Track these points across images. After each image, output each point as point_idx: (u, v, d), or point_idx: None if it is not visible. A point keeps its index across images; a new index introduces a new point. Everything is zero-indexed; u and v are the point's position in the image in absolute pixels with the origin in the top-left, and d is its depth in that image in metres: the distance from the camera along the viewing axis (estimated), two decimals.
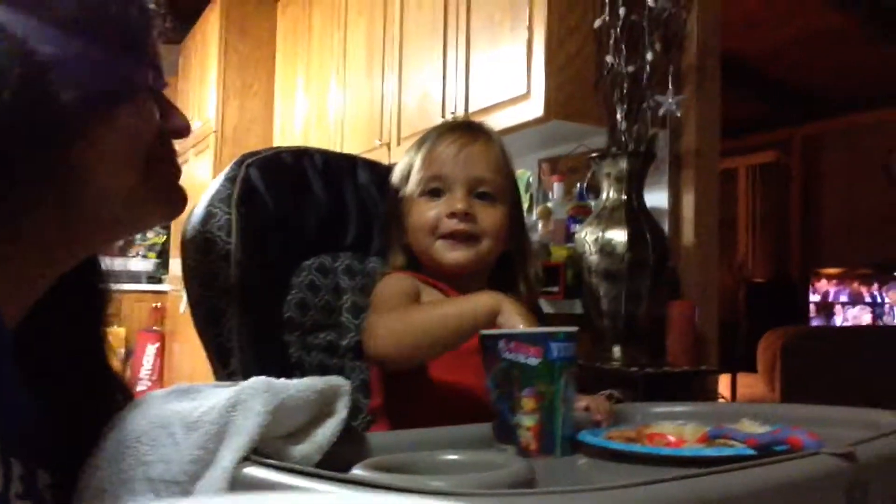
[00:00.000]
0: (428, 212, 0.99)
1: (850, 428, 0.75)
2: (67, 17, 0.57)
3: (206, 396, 0.66)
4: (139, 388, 4.50)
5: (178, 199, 0.68)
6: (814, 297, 5.21)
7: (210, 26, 4.36)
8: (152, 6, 0.65)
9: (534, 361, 0.71)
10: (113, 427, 0.67)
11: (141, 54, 0.63)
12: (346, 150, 3.33)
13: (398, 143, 2.97)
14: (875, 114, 5.13)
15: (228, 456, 0.60)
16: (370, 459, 0.53)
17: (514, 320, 0.82)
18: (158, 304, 5.05)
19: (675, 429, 0.72)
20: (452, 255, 0.99)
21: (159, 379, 4.85)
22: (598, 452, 0.70)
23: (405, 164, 1.04)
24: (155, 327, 4.99)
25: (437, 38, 2.70)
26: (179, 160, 0.69)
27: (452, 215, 0.98)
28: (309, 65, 3.83)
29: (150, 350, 4.90)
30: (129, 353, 4.89)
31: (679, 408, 0.96)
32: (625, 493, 0.39)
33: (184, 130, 0.67)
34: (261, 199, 0.99)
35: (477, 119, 2.46)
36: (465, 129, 1.04)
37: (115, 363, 0.76)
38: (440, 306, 0.89)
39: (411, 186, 1.01)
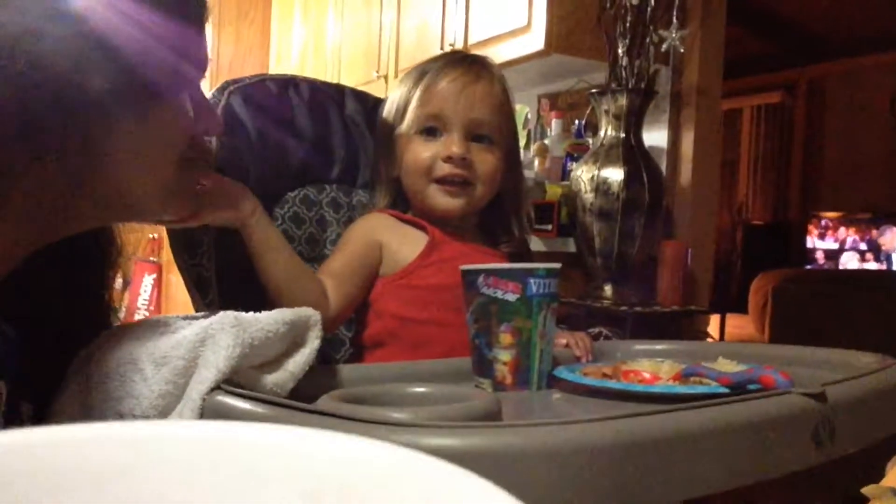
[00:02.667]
0: (423, 152, 0.96)
1: (825, 368, 0.75)
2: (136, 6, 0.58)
3: (176, 331, 0.66)
4: (136, 318, 4.54)
5: (186, 207, 0.70)
6: (811, 243, 5.20)
7: None
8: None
9: (511, 297, 0.71)
10: (82, 364, 0.67)
11: (188, 52, 0.63)
12: (343, 82, 3.27)
13: (395, 76, 2.91)
14: (880, 56, 5.02)
15: (197, 388, 0.60)
16: (337, 391, 0.53)
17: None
18: (155, 235, 5.05)
19: (651, 365, 0.72)
20: (445, 201, 0.96)
21: (157, 310, 4.88)
22: (574, 388, 0.70)
23: (401, 95, 1.00)
24: (152, 258, 4.99)
25: None
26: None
27: (449, 159, 0.95)
28: None
29: (148, 280, 4.92)
30: (126, 284, 4.91)
31: (659, 345, 0.97)
32: (584, 428, 0.39)
33: (214, 130, 0.70)
34: (243, 128, 0.96)
35: (476, 52, 2.41)
36: (469, 66, 0.98)
37: (115, 296, 0.77)
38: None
39: (407, 122, 0.97)
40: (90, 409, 0.66)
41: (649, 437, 0.42)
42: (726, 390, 0.61)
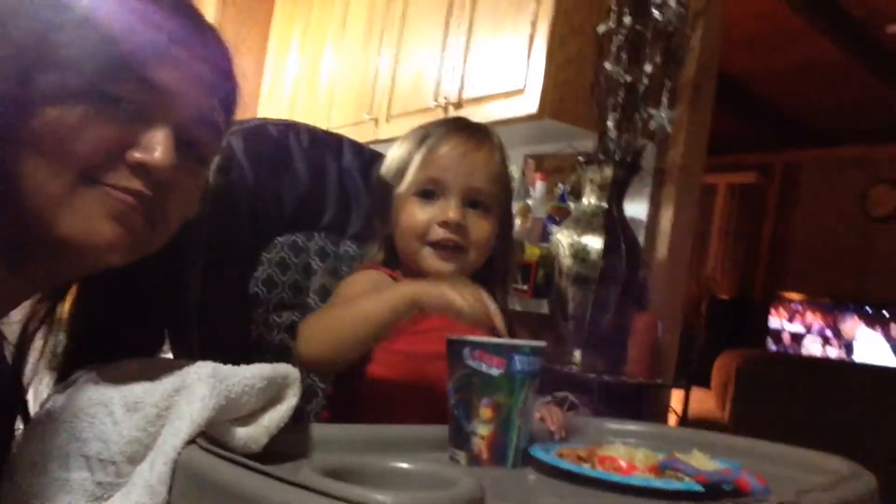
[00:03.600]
0: (420, 215, 0.97)
1: (797, 469, 0.76)
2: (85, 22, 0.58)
3: (149, 377, 0.65)
4: None
5: (98, 229, 0.62)
6: (773, 322, 5.29)
7: None
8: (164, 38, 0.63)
9: (495, 372, 0.71)
10: (53, 399, 0.66)
11: (122, 74, 0.61)
12: (333, 120, 3.31)
13: (387, 120, 2.94)
14: (857, 148, 5.20)
15: (171, 441, 0.59)
16: (319, 461, 0.52)
17: (442, 300, 0.79)
18: None
19: (626, 452, 0.72)
20: (438, 264, 0.97)
21: None
22: (549, 470, 0.70)
23: (401, 156, 1.01)
24: None
25: (440, 20, 2.67)
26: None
27: (444, 224, 0.96)
28: (306, 27, 3.77)
29: None
30: None
31: (632, 426, 0.97)
32: None
33: (142, 168, 0.62)
34: (239, 170, 0.97)
35: (469, 108, 2.45)
36: (471, 133, 1.00)
37: None
38: (359, 302, 0.86)
39: (406, 183, 0.98)
40: (55, 447, 0.65)
41: None
42: (701, 489, 0.61)
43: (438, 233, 0.96)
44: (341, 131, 1.22)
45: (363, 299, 0.85)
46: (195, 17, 0.70)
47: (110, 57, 0.60)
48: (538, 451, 0.72)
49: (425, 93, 2.69)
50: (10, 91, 0.57)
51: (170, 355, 0.88)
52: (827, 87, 4.62)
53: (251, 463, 0.50)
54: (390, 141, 2.62)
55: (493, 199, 0.99)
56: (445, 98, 2.56)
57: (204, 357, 0.70)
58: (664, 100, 2.04)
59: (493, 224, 0.99)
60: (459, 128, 1.01)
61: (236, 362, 0.66)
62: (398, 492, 0.43)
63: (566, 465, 0.67)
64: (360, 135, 2.77)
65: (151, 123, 0.64)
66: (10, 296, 0.68)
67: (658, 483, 0.63)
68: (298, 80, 3.74)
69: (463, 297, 0.79)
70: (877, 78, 4.30)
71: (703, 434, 0.90)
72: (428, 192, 0.97)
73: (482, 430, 0.71)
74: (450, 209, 0.96)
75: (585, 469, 0.66)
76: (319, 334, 0.85)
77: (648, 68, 2.02)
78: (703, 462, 0.68)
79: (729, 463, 0.70)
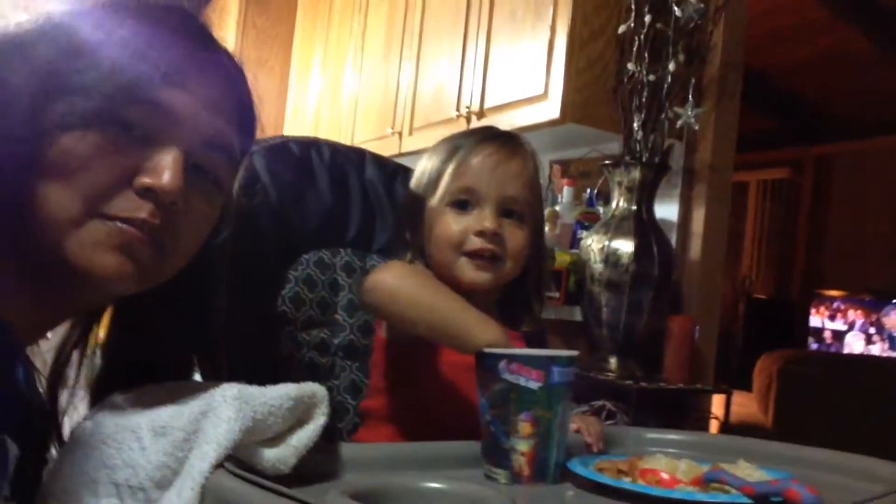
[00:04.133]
0: (454, 225, 0.95)
1: (849, 477, 0.73)
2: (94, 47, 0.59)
3: (176, 400, 0.64)
4: None
5: (99, 264, 0.61)
6: (814, 321, 5.17)
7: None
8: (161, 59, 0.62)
9: (534, 385, 0.69)
10: (82, 427, 0.66)
11: (132, 97, 0.61)
12: (357, 136, 3.32)
13: (410, 133, 2.94)
14: (891, 138, 5.07)
15: (198, 465, 0.58)
16: (348, 484, 0.50)
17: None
18: None
19: (668, 464, 0.70)
20: (474, 274, 0.95)
21: None
22: (588, 484, 0.68)
23: (432, 168, 0.99)
24: None
25: (458, 31, 2.66)
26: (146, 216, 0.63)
27: (481, 233, 0.94)
28: (327, 45, 3.80)
29: None
30: None
31: (672, 435, 0.94)
32: None
33: (150, 192, 0.61)
34: (263, 190, 0.96)
35: (491, 116, 2.44)
36: (504, 142, 0.99)
37: None
38: (456, 302, 0.85)
39: (439, 194, 0.97)
40: (84, 474, 0.64)
41: None
42: (748, 501, 0.59)
43: (475, 243, 0.94)
44: (365, 146, 1.21)
45: (461, 307, 0.84)
46: (206, 39, 0.69)
47: (121, 82, 0.60)
48: (576, 466, 0.70)
49: (447, 104, 2.68)
50: (25, 119, 0.58)
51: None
52: (855, 77, 4.53)
53: (279, 487, 0.49)
54: (414, 154, 2.61)
55: (528, 207, 0.97)
56: (467, 108, 2.55)
57: (233, 378, 0.69)
58: (690, 97, 2.01)
59: (528, 233, 0.97)
60: (492, 136, 1.00)
61: (266, 382, 0.65)
62: None
63: (607, 480, 0.65)
64: (385, 149, 2.77)
65: (161, 147, 0.63)
66: (38, 325, 0.68)
67: (703, 497, 0.60)
68: (321, 97, 3.77)
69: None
70: None
71: (748, 442, 0.86)
72: (462, 203, 0.96)
73: (522, 447, 0.69)
74: (485, 219, 0.94)
75: (627, 483, 0.64)
76: (406, 291, 0.87)
77: (672, 66, 1.98)
78: (749, 472, 0.66)
79: (777, 473, 0.67)
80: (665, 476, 0.65)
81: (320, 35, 3.87)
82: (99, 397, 0.72)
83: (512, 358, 0.71)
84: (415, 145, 2.86)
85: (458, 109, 2.60)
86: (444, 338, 0.83)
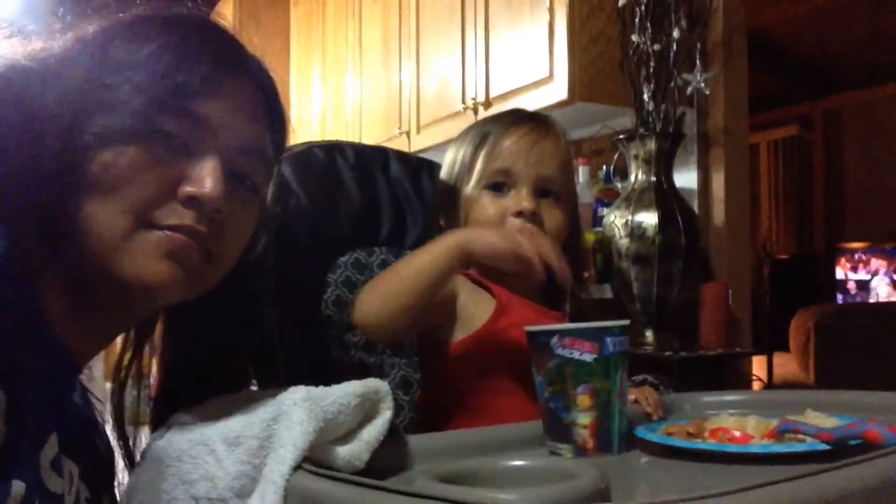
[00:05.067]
0: (492, 208, 0.95)
1: None
2: (122, 61, 0.60)
3: (244, 410, 0.65)
4: None
5: (151, 273, 0.62)
6: (838, 274, 5.13)
7: (223, 18, 4.33)
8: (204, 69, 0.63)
9: (589, 358, 0.69)
10: (152, 448, 0.66)
11: (167, 109, 0.61)
12: (365, 140, 3.33)
13: (418, 132, 2.94)
14: (894, 85, 5.02)
15: (277, 469, 0.58)
16: (433, 469, 0.51)
17: (489, 240, 0.83)
18: None
19: (736, 422, 0.69)
20: None
21: None
22: (656, 449, 0.68)
23: (464, 154, 0.99)
24: None
25: (455, 24, 2.66)
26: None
27: (519, 214, 0.94)
28: (324, 55, 3.81)
29: None
30: None
31: (730, 396, 0.94)
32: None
33: (194, 201, 0.62)
34: (295, 197, 0.97)
35: (498, 104, 2.43)
36: (537, 123, 0.99)
37: None
38: (410, 259, 0.86)
39: (474, 179, 0.97)
40: (162, 492, 0.65)
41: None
42: (828, 447, 0.58)
43: (514, 224, 0.94)
44: None
45: (413, 255, 0.86)
46: (236, 47, 0.70)
47: (156, 94, 0.61)
48: (644, 433, 0.70)
49: (452, 98, 2.68)
50: (64, 138, 0.58)
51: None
52: (853, 26, 4.48)
53: (366, 480, 0.49)
54: (424, 151, 2.60)
55: (563, 187, 0.98)
56: (473, 99, 2.54)
57: (290, 384, 0.69)
58: (697, 63, 1.99)
59: (566, 212, 0.97)
60: (523, 118, 1.00)
61: (318, 383, 0.66)
62: (525, 489, 0.42)
63: (680, 442, 0.64)
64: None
65: (200, 156, 0.64)
66: (89, 344, 0.69)
67: (780, 448, 0.60)
68: (325, 107, 3.78)
69: (512, 241, 0.81)
70: None
71: (807, 394, 0.86)
72: (498, 185, 0.96)
73: (583, 420, 0.69)
74: (523, 199, 0.94)
75: (700, 443, 0.64)
76: (375, 295, 0.85)
77: (676, 33, 1.97)
78: (820, 421, 0.65)
79: (848, 419, 0.66)
80: (737, 434, 0.65)
81: (317, 46, 3.88)
82: (160, 415, 0.73)
83: (564, 332, 0.71)
84: (424, 143, 2.86)
85: (463, 102, 2.59)
86: (432, 282, 0.83)
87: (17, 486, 0.49)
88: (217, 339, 0.75)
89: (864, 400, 0.78)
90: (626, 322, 0.73)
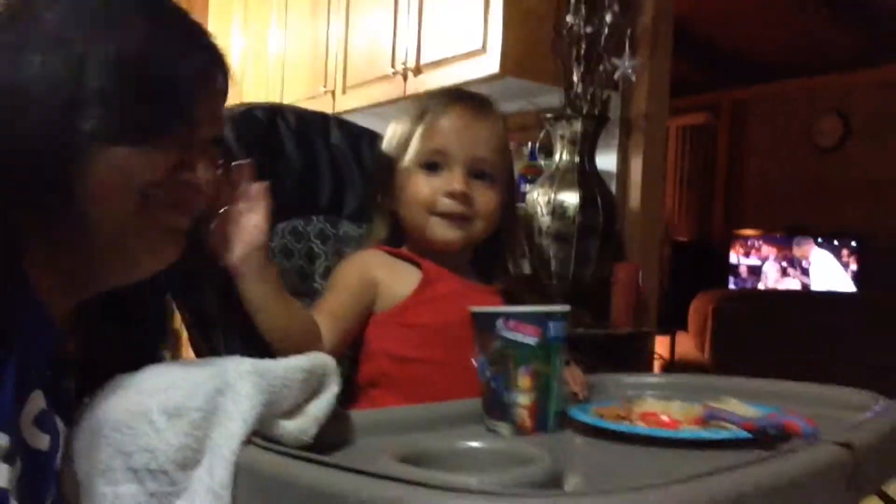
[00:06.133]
0: (425, 187, 0.96)
1: (827, 407, 0.78)
2: (123, 54, 0.62)
3: (185, 379, 0.64)
4: None
5: (163, 250, 0.69)
6: (734, 258, 5.44)
7: None
8: (207, 66, 0.69)
9: (532, 341, 0.71)
10: (87, 415, 0.64)
11: (172, 105, 0.65)
12: (287, 96, 3.23)
13: (343, 92, 2.89)
14: (802, 81, 5.30)
15: (227, 444, 0.58)
16: (392, 449, 0.51)
17: None
18: None
19: (662, 406, 0.74)
20: (445, 233, 0.96)
21: None
22: (588, 429, 0.71)
23: (402, 131, 1.00)
24: None
25: None
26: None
27: (450, 194, 0.95)
28: (247, 3, 3.66)
29: None
30: None
31: (649, 379, 0.99)
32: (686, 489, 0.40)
33: (194, 188, 0.69)
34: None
35: (429, 72, 2.42)
36: (474, 104, 0.99)
37: None
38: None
39: (409, 156, 0.97)
40: (99, 463, 0.63)
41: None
42: (749, 436, 0.63)
43: (445, 204, 0.95)
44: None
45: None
46: (198, 28, 0.71)
47: (148, 91, 0.64)
48: (577, 414, 0.73)
49: (382, 60, 2.64)
50: (58, 132, 0.60)
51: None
52: (768, 21, 4.68)
53: (321, 458, 0.50)
54: (350, 113, 2.55)
55: (497, 168, 0.99)
56: (403, 64, 2.52)
57: (229, 353, 0.68)
58: (626, 48, 2.04)
59: (499, 194, 0.99)
60: (460, 97, 1.01)
61: (261, 355, 0.66)
62: (488, 473, 0.43)
63: (612, 425, 0.68)
64: (318, 108, 2.71)
65: (192, 147, 0.68)
66: (63, 306, 0.69)
67: (707, 434, 0.64)
68: (244, 58, 3.64)
69: None
70: (817, 10, 4.37)
71: (722, 380, 0.92)
72: (432, 164, 0.97)
73: (523, 400, 0.72)
74: (455, 180, 0.95)
75: (633, 427, 0.67)
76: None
77: (608, 18, 2.01)
78: (741, 409, 0.70)
79: (765, 408, 0.71)
80: (665, 418, 0.69)
81: None
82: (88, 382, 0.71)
83: (510, 316, 0.73)
84: (350, 104, 2.82)
85: (393, 66, 2.57)
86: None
87: (1, 439, 0.52)
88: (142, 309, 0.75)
89: (778, 388, 0.84)
90: (567, 308, 0.76)
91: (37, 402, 0.58)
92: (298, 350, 0.71)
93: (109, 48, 0.62)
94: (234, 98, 0.81)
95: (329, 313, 0.90)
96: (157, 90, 0.65)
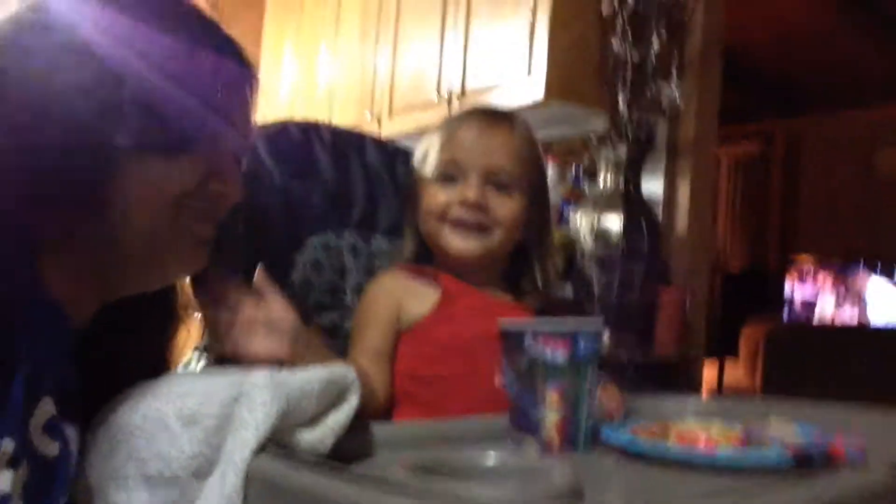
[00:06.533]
0: (440, 196, 0.96)
1: (875, 431, 0.74)
2: (161, 64, 0.62)
3: (202, 387, 0.63)
4: None
5: (193, 259, 0.70)
6: (788, 287, 5.27)
7: None
8: (236, 76, 0.70)
9: (561, 357, 0.69)
10: (103, 420, 0.64)
11: (207, 117, 0.66)
12: (335, 122, 3.27)
13: (389, 117, 2.91)
14: (859, 111, 5.16)
15: (239, 451, 0.57)
16: (403, 459, 0.50)
17: None
18: None
19: (701, 426, 0.70)
20: (459, 243, 0.95)
21: None
22: (621, 450, 0.68)
23: (425, 145, 1.01)
24: None
25: (436, 11, 2.64)
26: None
27: (463, 203, 0.94)
28: (299, 29, 3.74)
29: None
30: None
31: (691, 402, 0.95)
32: None
33: (223, 197, 0.69)
34: (267, 174, 0.95)
35: (474, 98, 2.43)
36: (487, 116, 1.00)
37: None
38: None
39: (427, 169, 0.98)
40: (111, 469, 0.62)
41: None
42: (790, 460, 0.59)
43: (458, 213, 0.95)
44: None
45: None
46: (227, 38, 0.71)
47: (183, 102, 0.64)
48: (610, 433, 0.70)
49: (428, 87, 2.66)
50: (92, 141, 0.60)
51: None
52: (821, 51, 4.59)
53: (336, 464, 0.48)
54: (394, 139, 2.60)
55: (516, 178, 0.97)
56: (449, 90, 2.53)
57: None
58: (673, 74, 2.02)
59: (520, 203, 0.97)
60: (477, 111, 1.02)
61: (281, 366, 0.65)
62: (503, 485, 0.41)
63: (647, 447, 0.65)
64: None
65: (224, 158, 0.69)
66: (84, 311, 0.69)
67: (745, 457, 0.61)
68: (295, 84, 3.72)
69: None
70: (873, 37, 4.27)
71: (767, 404, 0.87)
72: (448, 176, 0.96)
73: (551, 417, 0.69)
74: (468, 189, 0.94)
75: (665, 449, 0.64)
76: None
77: (655, 44, 1.99)
78: (785, 429, 0.66)
79: (810, 428, 0.67)
80: (703, 438, 0.65)
81: (292, 21, 3.81)
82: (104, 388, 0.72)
83: (537, 330, 0.71)
84: (395, 129, 2.84)
85: (438, 91, 2.58)
86: None
87: (6, 444, 0.51)
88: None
89: (825, 413, 0.80)
90: (598, 322, 0.73)
91: (46, 408, 0.57)
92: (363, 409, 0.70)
93: (147, 58, 0.62)
94: None
95: (374, 353, 0.91)
96: (192, 101, 0.65)
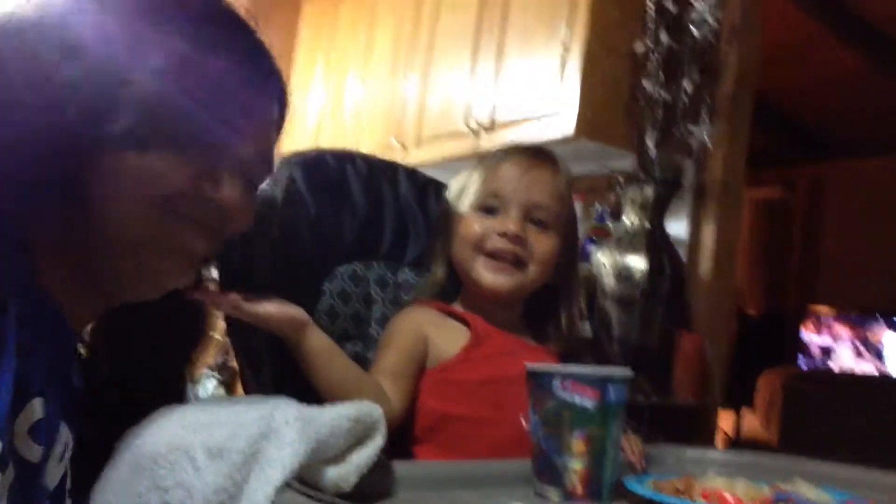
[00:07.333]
0: (478, 226, 0.96)
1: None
2: (165, 61, 0.60)
3: (230, 420, 0.63)
4: None
5: (178, 271, 0.66)
6: (805, 336, 5.20)
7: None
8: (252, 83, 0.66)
9: (589, 404, 0.68)
10: (128, 444, 0.64)
11: (202, 117, 0.63)
12: (361, 147, 3.28)
13: (417, 146, 2.93)
14: (882, 159, 5.12)
15: (262, 489, 0.57)
16: (417, 499, 0.49)
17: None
18: None
19: (726, 483, 0.69)
20: (493, 277, 0.95)
21: None
22: (644, 502, 0.67)
23: (463, 180, 1.02)
24: None
25: (468, 44, 2.67)
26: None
27: (503, 234, 0.94)
28: (329, 56, 3.79)
29: None
30: None
31: (713, 454, 0.94)
32: None
33: (216, 206, 0.65)
34: (303, 202, 0.95)
35: (502, 131, 2.44)
36: (533, 153, 1.01)
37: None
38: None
39: (467, 201, 0.98)
40: (134, 495, 0.62)
41: None
42: None
43: (496, 242, 0.95)
44: None
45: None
46: (260, 51, 0.69)
47: (183, 106, 0.61)
48: (634, 485, 0.69)
49: (456, 117, 2.68)
50: (81, 133, 0.58)
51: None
52: (848, 97, 4.57)
53: None
54: (421, 168, 2.61)
55: (555, 217, 0.98)
56: (477, 122, 2.55)
57: (277, 391, 0.68)
58: (704, 116, 2.02)
59: (556, 242, 0.97)
60: (522, 148, 1.03)
61: (307, 395, 0.65)
62: None
63: (670, 500, 0.64)
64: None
65: (220, 163, 0.65)
66: (84, 316, 0.68)
67: None
68: (323, 109, 3.76)
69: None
70: None
71: (793, 460, 0.86)
72: (489, 208, 0.97)
73: (575, 465, 0.68)
74: (510, 221, 0.95)
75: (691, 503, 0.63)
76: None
77: (687, 85, 2.00)
78: (812, 493, 0.65)
79: (837, 493, 0.66)
80: (729, 497, 0.64)
81: (324, 47, 3.86)
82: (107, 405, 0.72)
83: (566, 375, 0.70)
84: (421, 158, 2.85)
85: (467, 123, 2.60)
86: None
87: None
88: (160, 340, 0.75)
89: (852, 474, 0.78)
90: (629, 373, 0.73)
91: (35, 410, 0.55)
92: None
93: (154, 54, 0.60)
94: None
95: (391, 373, 0.90)
96: (187, 100, 0.61)
